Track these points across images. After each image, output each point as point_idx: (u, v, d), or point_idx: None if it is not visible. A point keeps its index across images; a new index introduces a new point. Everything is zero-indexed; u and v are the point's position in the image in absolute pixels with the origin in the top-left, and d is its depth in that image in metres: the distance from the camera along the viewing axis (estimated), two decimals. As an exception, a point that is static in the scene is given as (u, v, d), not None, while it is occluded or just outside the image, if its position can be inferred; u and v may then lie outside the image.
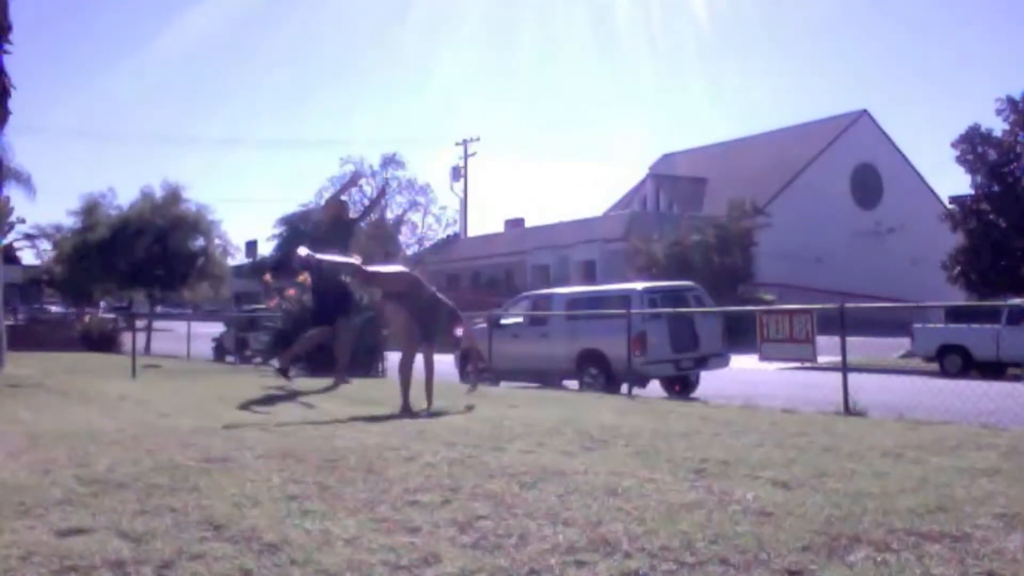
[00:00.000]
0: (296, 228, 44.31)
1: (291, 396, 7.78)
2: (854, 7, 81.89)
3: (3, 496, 3.34)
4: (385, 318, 8.50)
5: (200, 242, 27.91)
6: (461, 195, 51.10)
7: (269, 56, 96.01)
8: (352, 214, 10.83)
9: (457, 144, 51.71)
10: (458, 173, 51.07)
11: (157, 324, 28.60)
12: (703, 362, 12.75)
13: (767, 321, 9.39)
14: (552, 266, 38.14)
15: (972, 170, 27.52)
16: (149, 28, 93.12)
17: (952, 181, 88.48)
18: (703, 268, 26.73)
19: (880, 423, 6.18)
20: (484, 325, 14.11)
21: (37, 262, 45.20)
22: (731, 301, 22.98)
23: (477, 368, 9.26)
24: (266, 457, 4.12)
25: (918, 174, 42.28)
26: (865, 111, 41.98)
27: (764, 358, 9.74)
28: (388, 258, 42.07)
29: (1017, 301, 15.85)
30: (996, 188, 27.09)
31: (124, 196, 34.90)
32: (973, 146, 27.41)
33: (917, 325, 18.42)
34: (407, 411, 6.25)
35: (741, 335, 13.74)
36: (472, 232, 50.51)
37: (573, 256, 37.62)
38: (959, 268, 27.19)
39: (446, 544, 2.67)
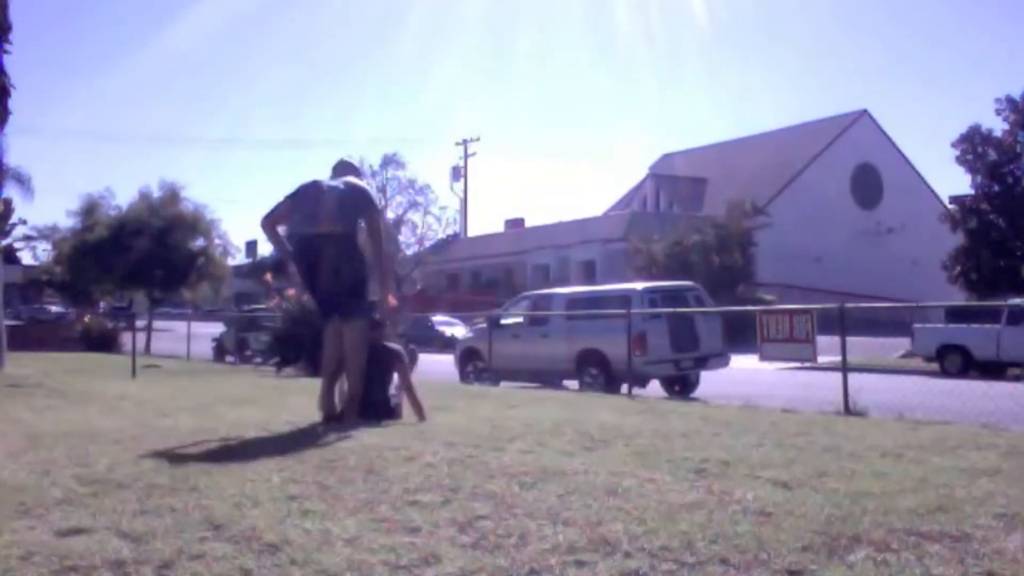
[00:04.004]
0: (296, 228, 44.34)
1: (291, 396, 7.78)
2: (854, 7, 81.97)
3: (3, 496, 3.34)
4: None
5: (200, 242, 27.92)
6: (461, 195, 51.09)
7: (269, 56, 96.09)
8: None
9: (457, 144, 51.74)
10: (458, 173, 51.07)
11: (157, 324, 28.61)
12: (703, 362, 12.75)
13: (767, 321, 9.40)
14: (552, 266, 38.15)
15: (972, 170, 27.56)
16: (149, 28, 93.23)
17: (952, 181, 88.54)
18: (703, 268, 26.73)
19: (880, 423, 6.18)
20: (484, 325, 14.11)
21: (35, 263, 45.24)
22: (731, 301, 22.99)
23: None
24: (266, 457, 4.12)
25: (918, 174, 42.29)
26: (865, 111, 42.00)
27: (764, 358, 9.74)
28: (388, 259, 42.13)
29: (1017, 301, 15.85)
30: (996, 188, 27.12)
31: (123, 196, 34.97)
32: (973, 146, 27.44)
33: (917, 325, 18.43)
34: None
35: (741, 335, 13.75)
36: (472, 232, 50.52)
37: (573, 256, 37.62)
38: (959, 268, 27.21)
39: (446, 544, 2.67)
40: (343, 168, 6.15)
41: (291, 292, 13.84)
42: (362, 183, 6.00)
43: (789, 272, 32.84)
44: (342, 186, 5.76)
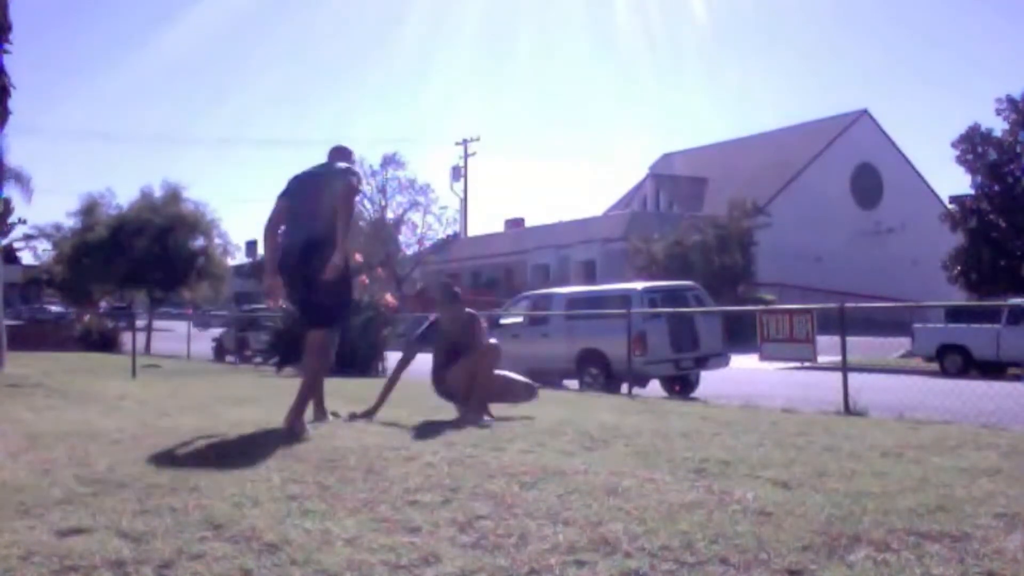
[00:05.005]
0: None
1: (291, 396, 7.77)
2: (854, 7, 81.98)
3: (3, 496, 3.34)
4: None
5: (200, 242, 27.94)
6: (461, 195, 51.09)
7: (269, 55, 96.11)
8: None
9: (457, 144, 51.75)
10: (458, 173, 51.08)
11: (157, 324, 28.60)
12: (703, 362, 12.76)
13: (767, 321, 9.40)
14: (552, 266, 38.16)
15: (972, 170, 27.55)
16: (149, 28, 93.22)
17: (952, 181, 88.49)
18: (703, 268, 26.73)
19: (880, 423, 6.18)
20: (484, 325, 14.11)
21: (35, 262, 45.22)
22: (731, 301, 23.01)
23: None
24: (266, 457, 4.11)
25: (918, 174, 42.28)
26: (865, 111, 41.98)
27: (764, 358, 9.74)
28: (389, 259, 42.09)
29: (1017, 301, 15.85)
30: (996, 188, 27.10)
31: (124, 196, 34.99)
32: (973, 146, 27.43)
33: (917, 325, 18.44)
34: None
35: (741, 335, 13.75)
36: (472, 232, 50.52)
37: (573, 256, 37.62)
38: (959, 268, 27.21)
39: (446, 544, 2.67)
40: (334, 154, 5.72)
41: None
42: (343, 164, 5.56)
43: (789, 272, 32.83)
44: (323, 173, 5.42)
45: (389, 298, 13.98)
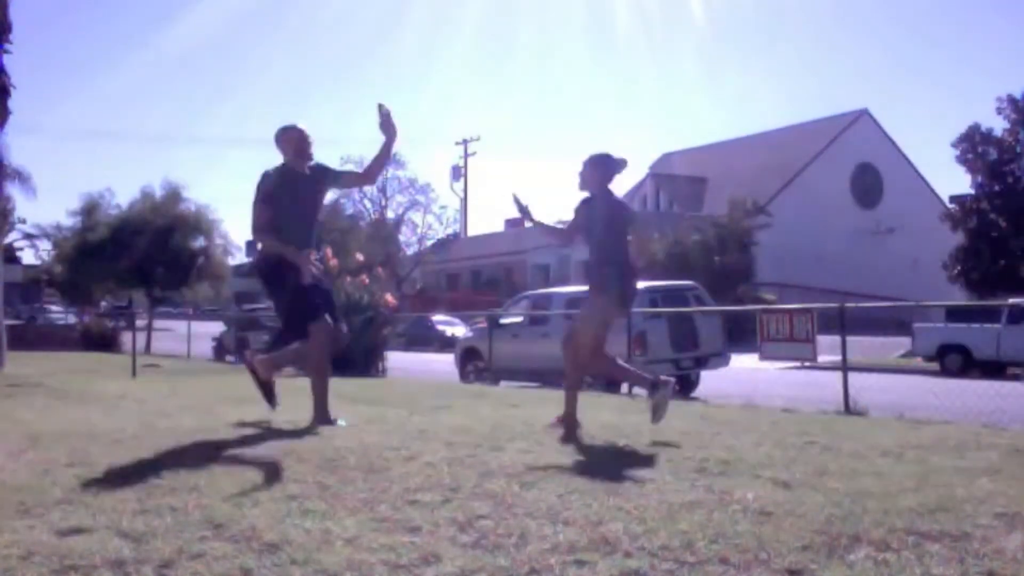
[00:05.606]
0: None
1: (291, 396, 7.77)
2: (854, 7, 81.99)
3: (3, 496, 3.34)
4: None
5: (200, 241, 27.96)
6: (461, 194, 51.13)
7: (269, 55, 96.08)
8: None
9: (457, 144, 51.81)
10: (458, 172, 51.14)
11: (157, 323, 28.61)
12: (703, 362, 12.76)
13: (767, 321, 9.40)
14: (552, 266, 38.18)
15: (972, 170, 27.57)
16: (149, 28, 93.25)
17: (952, 181, 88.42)
18: (703, 268, 26.74)
19: (881, 423, 6.18)
20: (484, 325, 14.12)
21: (37, 262, 45.23)
22: (731, 301, 23.01)
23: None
24: (266, 457, 4.11)
25: (918, 174, 42.29)
26: (865, 111, 42.01)
27: (764, 358, 9.75)
28: (389, 258, 42.07)
29: (1017, 301, 15.86)
30: (996, 188, 27.12)
31: (124, 196, 34.99)
32: (973, 145, 27.45)
33: (917, 324, 18.45)
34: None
35: (741, 335, 13.77)
36: (472, 231, 50.56)
37: (573, 256, 37.62)
38: (959, 268, 27.22)
39: (446, 543, 2.67)
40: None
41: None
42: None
43: (789, 272, 32.85)
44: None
45: (389, 298, 13.95)
